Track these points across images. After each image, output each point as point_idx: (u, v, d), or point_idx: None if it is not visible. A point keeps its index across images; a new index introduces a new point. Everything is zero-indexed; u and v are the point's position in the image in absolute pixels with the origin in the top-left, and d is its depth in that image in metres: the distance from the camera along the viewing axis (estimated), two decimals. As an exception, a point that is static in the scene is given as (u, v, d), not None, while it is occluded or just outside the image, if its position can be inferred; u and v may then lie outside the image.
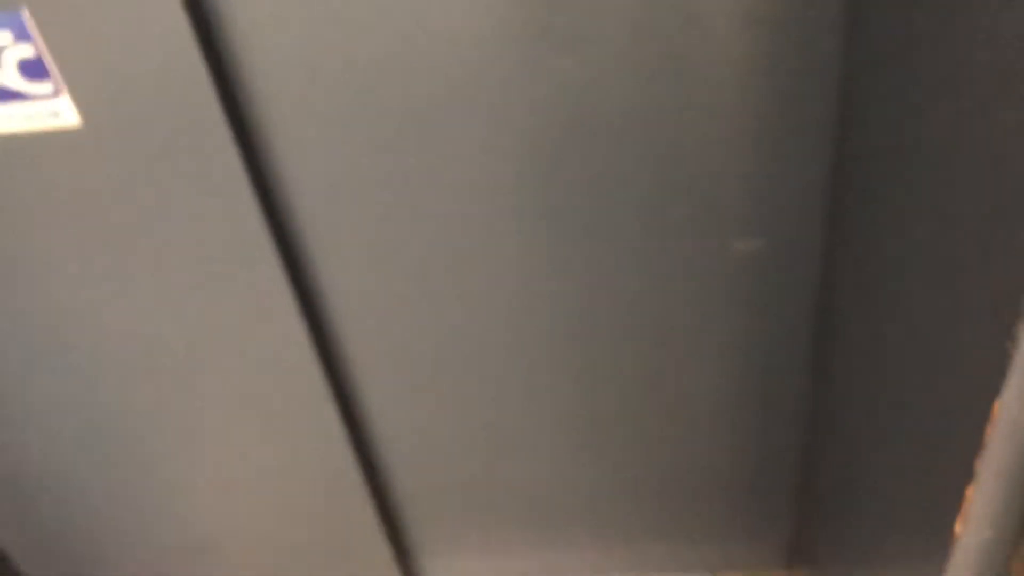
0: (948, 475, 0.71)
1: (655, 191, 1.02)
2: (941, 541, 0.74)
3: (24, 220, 1.03)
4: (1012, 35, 0.56)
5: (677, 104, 0.95)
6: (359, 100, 0.94)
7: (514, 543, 1.50)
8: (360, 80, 0.93)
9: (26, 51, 0.88)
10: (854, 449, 1.07)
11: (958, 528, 0.71)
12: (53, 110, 0.93)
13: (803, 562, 1.43)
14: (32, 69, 0.89)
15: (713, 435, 1.29)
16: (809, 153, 0.99)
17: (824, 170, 1.00)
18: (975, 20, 0.61)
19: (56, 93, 0.91)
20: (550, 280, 1.11)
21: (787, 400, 1.24)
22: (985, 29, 0.60)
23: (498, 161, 1.00)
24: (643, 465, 1.35)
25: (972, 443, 0.66)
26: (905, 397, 0.85)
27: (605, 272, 1.10)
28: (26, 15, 0.86)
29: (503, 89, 0.94)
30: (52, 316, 1.13)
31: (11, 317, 1.13)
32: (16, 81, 0.90)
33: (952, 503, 0.71)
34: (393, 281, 1.11)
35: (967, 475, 0.68)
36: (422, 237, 1.07)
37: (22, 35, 0.87)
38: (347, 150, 0.98)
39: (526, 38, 0.90)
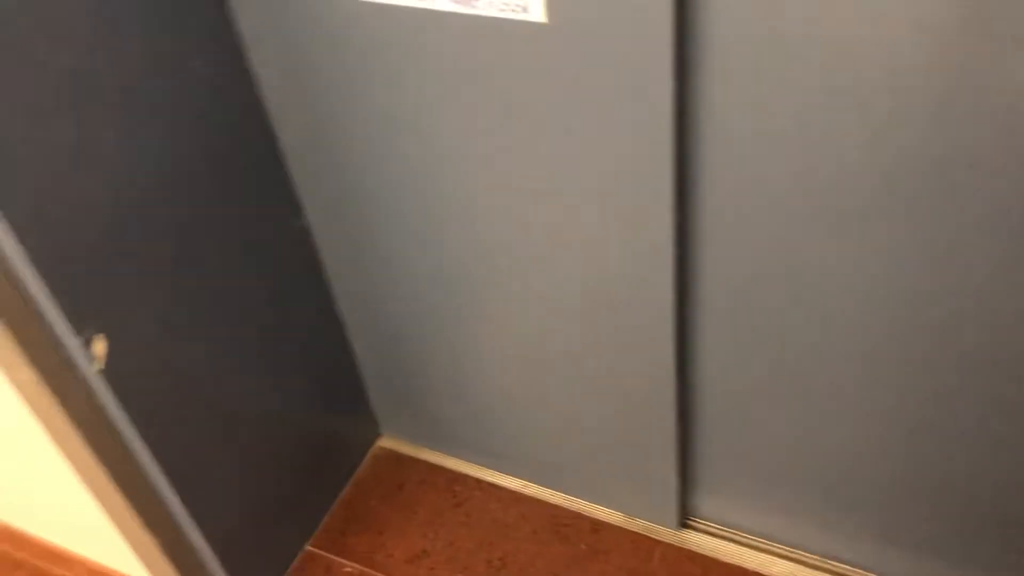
0: None
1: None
2: None
3: (478, 94, 1.15)
4: None
5: None
6: (810, 82, 0.96)
7: (796, 513, 1.51)
8: (817, 62, 0.94)
9: (521, -51, 0.98)
10: None
11: None
12: (524, 4, 1.03)
13: None
14: (520, -34, 0.99)
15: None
16: None
17: None
18: None
19: (533, -9, 1.01)
20: (922, 282, 1.08)
21: None
22: None
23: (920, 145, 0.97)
24: (951, 483, 1.30)
25: None
26: None
27: (977, 288, 1.06)
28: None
29: (952, 78, 0.91)
30: (454, 167, 1.27)
31: (422, 167, 1.29)
32: (504, -26, 1.01)
33: None
34: (767, 247, 1.14)
35: None
36: (806, 222, 1.08)
37: (524, -66, 0.97)
38: (768, 130, 1.01)
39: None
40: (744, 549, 1.60)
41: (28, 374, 1.11)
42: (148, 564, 1.45)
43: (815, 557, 1.56)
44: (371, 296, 1.57)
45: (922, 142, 0.96)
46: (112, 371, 1.18)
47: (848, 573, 1.53)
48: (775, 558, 1.57)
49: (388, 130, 1.26)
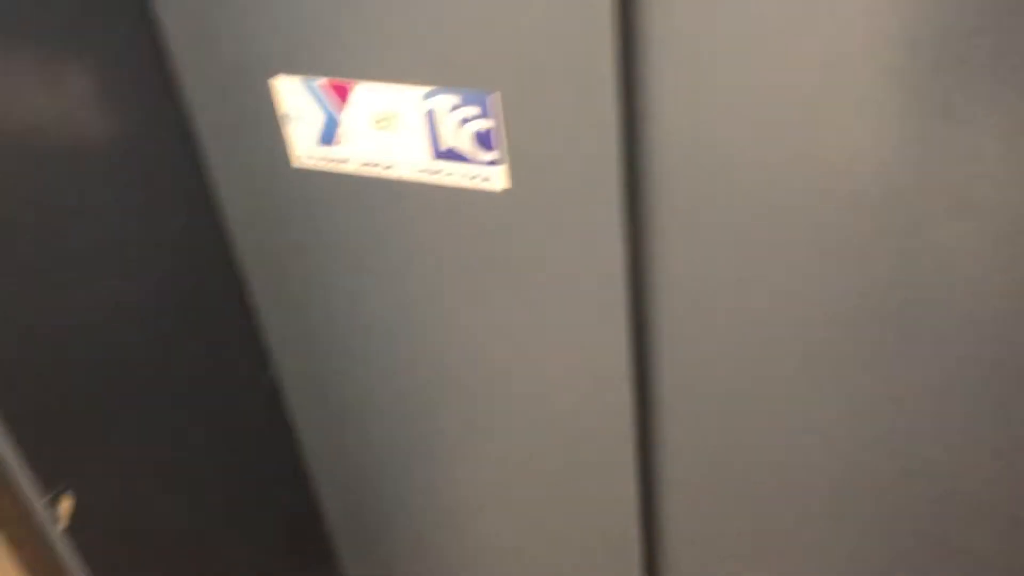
0: None
1: (1013, 368, 1.01)
2: None
3: (441, 253, 1.22)
4: None
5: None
6: (750, 224, 1.03)
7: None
8: (757, 205, 1.02)
9: (484, 125, 1.06)
10: None
11: None
12: (488, 174, 1.11)
13: None
14: (483, 140, 1.08)
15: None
16: None
17: None
18: None
19: (495, 163, 1.09)
20: (881, 423, 1.13)
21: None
22: None
23: (861, 302, 1.04)
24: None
25: None
26: None
27: (938, 429, 1.10)
28: (495, 98, 1.04)
29: (888, 238, 0.98)
30: (432, 333, 1.32)
31: (400, 328, 1.34)
32: (468, 147, 1.09)
33: None
34: (728, 387, 1.19)
35: None
36: (765, 358, 1.13)
37: (486, 112, 1.05)
38: (723, 271, 1.08)
39: (926, 199, 0.94)
40: None
41: (-9, 534, 1.11)
42: None
43: None
44: (340, 449, 1.59)
45: (881, 288, 1.03)
46: (76, 529, 1.17)
47: None
48: None
49: (359, 287, 1.32)
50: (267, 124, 1.21)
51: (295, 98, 1.16)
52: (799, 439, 1.20)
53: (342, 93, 1.12)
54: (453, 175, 1.13)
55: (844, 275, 1.03)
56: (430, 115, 1.08)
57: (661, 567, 1.46)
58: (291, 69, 1.13)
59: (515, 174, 1.09)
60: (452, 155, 1.11)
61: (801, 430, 1.19)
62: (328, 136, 1.17)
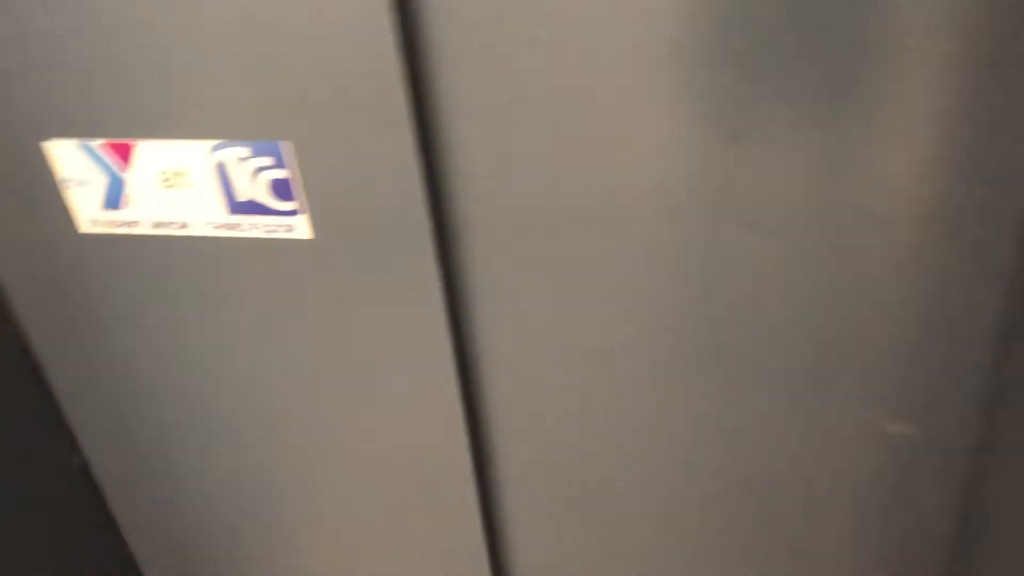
0: None
1: (815, 366, 1.07)
2: None
3: (247, 306, 1.17)
4: None
5: (845, 288, 1.01)
6: (557, 254, 1.05)
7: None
8: (561, 233, 1.04)
9: (280, 174, 1.03)
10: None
11: None
12: (290, 224, 1.07)
13: None
14: (282, 190, 1.04)
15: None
16: (971, 342, 1.02)
17: (987, 359, 1.03)
18: None
19: (296, 212, 1.06)
20: (702, 429, 1.17)
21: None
22: None
23: (670, 318, 1.08)
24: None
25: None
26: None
27: (755, 428, 1.15)
28: (287, 146, 1.01)
29: (686, 252, 1.02)
30: (246, 386, 1.26)
31: (213, 387, 1.27)
32: (266, 198, 1.05)
33: None
34: (558, 416, 1.20)
35: None
36: (588, 379, 1.15)
37: (280, 162, 1.02)
38: (537, 307, 1.09)
39: (714, 212, 0.99)
40: None
41: None
42: None
43: None
44: (158, 523, 1.49)
45: (700, 295, 1.07)
46: None
47: None
48: None
49: (165, 354, 1.25)
50: (48, 191, 1.12)
51: (73, 162, 1.08)
52: (633, 451, 1.22)
53: (124, 153, 1.06)
54: (256, 227, 1.08)
55: (662, 286, 1.06)
56: (221, 169, 1.04)
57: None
58: (65, 132, 1.06)
59: (319, 222, 1.06)
60: (251, 208, 1.07)
61: (634, 439, 1.21)
62: (114, 199, 1.10)
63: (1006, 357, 1.01)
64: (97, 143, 1.06)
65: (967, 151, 0.91)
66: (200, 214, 1.08)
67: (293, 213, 1.06)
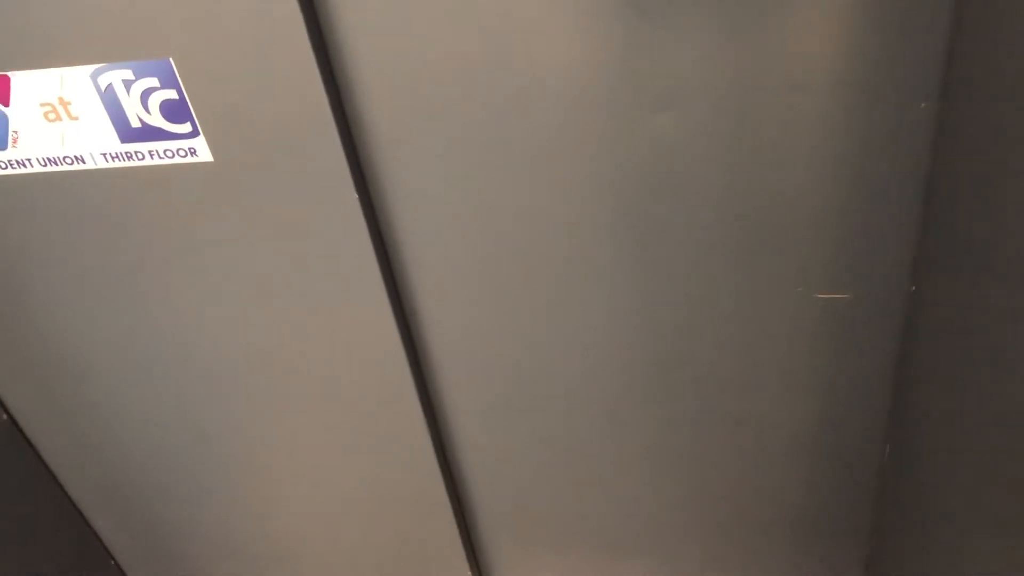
0: None
1: (744, 241, 1.06)
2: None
3: (155, 240, 1.13)
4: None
5: (770, 161, 1.00)
6: (470, 144, 1.02)
7: (584, 569, 1.55)
8: (471, 124, 1.00)
9: (170, 95, 0.98)
10: (930, 493, 1.09)
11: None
12: (191, 147, 1.03)
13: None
14: (175, 111, 0.99)
15: (787, 475, 1.32)
16: (897, 210, 1.02)
17: (912, 225, 1.03)
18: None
19: (194, 133, 1.01)
20: (637, 318, 1.16)
21: (862, 444, 1.26)
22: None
23: (595, 204, 1.06)
24: (714, 500, 1.39)
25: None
26: (988, 443, 0.88)
27: (692, 313, 1.15)
28: (171, 64, 0.96)
29: (603, 138, 1.00)
30: (166, 330, 1.23)
31: (129, 329, 1.24)
32: (160, 121, 1.01)
33: None
34: (488, 313, 1.18)
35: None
36: (518, 273, 1.13)
37: (168, 82, 0.97)
38: (454, 194, 1.06)
39: (630, 94, 0.96)
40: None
41: None
42: None
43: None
44: (107, 475, 1.47)
45: (618, 181, 1.05)
46: None
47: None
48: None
49: (80, 297, 1.20)
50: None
51: (-49, 103, 1.02)
52: (566, 343, 1.22)
53: (3, 89, 1.00)
54: (155, 154, 1.04)
55: (577, 176, 1.04)
56: (107, 95, 0.99)
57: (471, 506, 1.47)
58: (-64, 71, 1.00)
59: (219, 142, 1.02)
60: (146, 134, 1.02)
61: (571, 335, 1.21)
62: (1, 140, 1.04)
63: (928, 217, 1.01)
64: (-28, 80, 1.00)
65: (878, 7, 0.89)
66: (93, 145, 1.03)
67: (192, 135, 1.02)
